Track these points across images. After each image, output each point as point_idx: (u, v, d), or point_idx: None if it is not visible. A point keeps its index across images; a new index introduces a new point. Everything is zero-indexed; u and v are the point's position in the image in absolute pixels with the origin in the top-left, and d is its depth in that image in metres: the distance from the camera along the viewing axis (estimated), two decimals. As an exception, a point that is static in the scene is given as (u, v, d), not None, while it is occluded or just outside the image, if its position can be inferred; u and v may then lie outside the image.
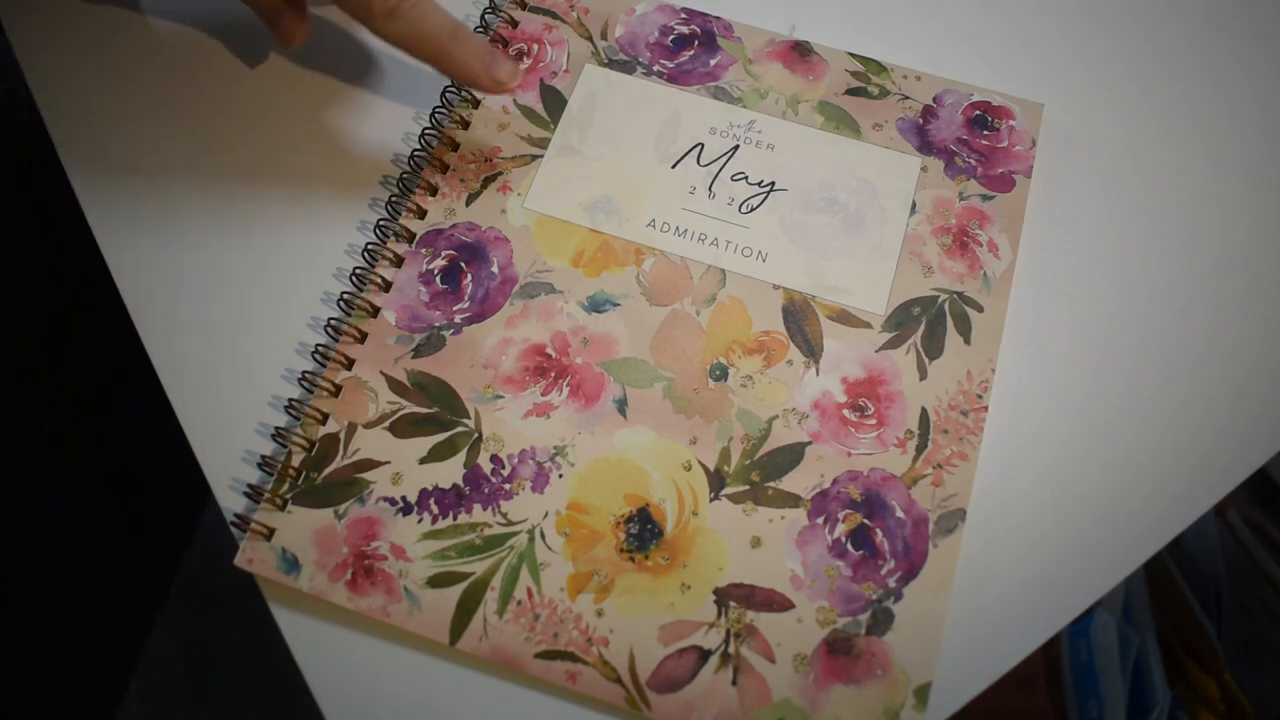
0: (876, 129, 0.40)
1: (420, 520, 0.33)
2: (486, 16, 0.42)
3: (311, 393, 0.35)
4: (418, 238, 0.38)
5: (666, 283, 0.37)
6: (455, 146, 0.40)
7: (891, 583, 0.33)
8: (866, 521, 0.34)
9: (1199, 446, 0.36)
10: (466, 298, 0.37)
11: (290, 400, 0.35)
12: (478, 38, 0.37)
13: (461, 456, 0.34)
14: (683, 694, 0.31)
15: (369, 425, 0.35)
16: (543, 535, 0.33)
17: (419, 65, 0.42)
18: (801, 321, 0.37)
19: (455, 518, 0.34)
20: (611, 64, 0.42)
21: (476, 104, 0.41)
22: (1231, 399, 0.37)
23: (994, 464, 0.35)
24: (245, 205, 0.39)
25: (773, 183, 0.39)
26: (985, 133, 0.40)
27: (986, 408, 0.35)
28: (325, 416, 0.35)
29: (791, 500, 0.34)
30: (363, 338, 0.36)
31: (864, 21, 0.43)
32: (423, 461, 0.34)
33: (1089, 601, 0.33)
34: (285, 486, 0.34)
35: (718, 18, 0.43)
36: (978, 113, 0.41)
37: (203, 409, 0.36)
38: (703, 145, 0.40)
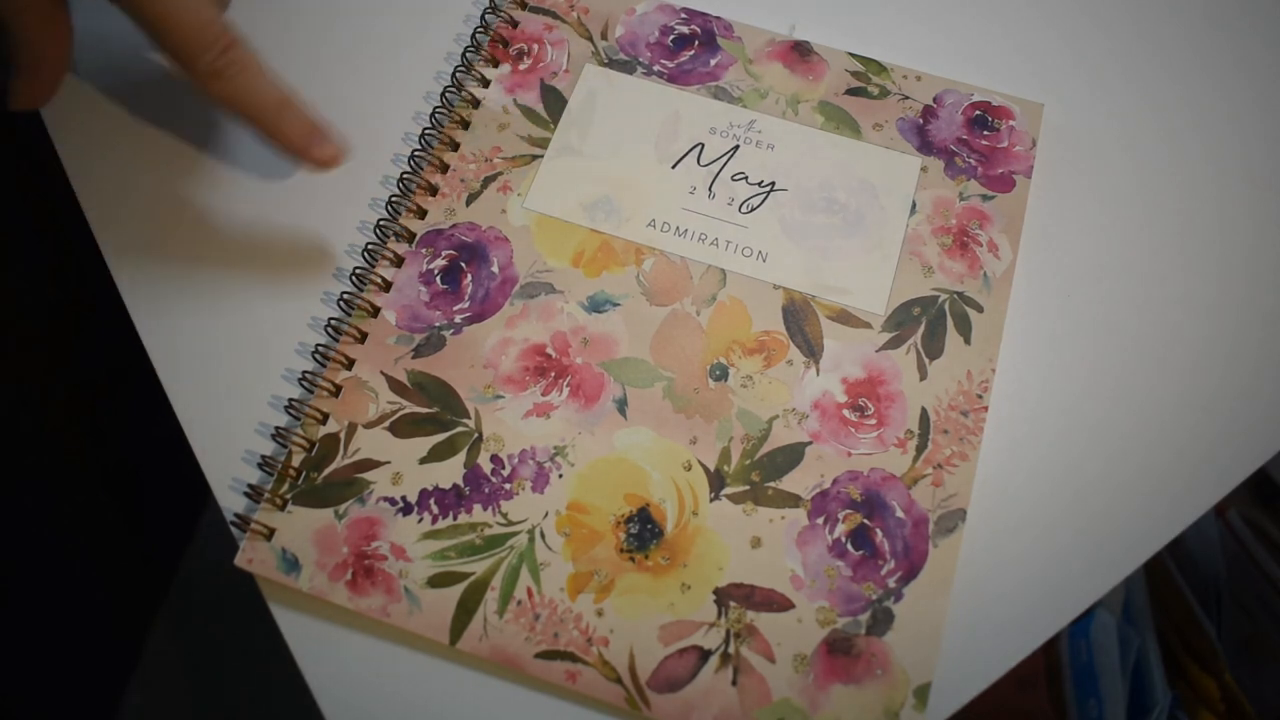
0: (876, 129, 0.40)
1: (420, 520, 0.33)
2: (486, 16, 0.42)
3: (311, 393, 0.35)
4: (418, 238, 0.38)
5: (666, 283, 0.37)
6: (455, 146, 0.40)
7: (891, 583, 0.33)
8: (866, 521, 0.34)
9: (1199, 446, 0.36)
10: (466, 298, 0.37)
11: (290, 400, 0.35)
12: (304, 114, 0.36)
13: (461, 456, 0.34)
14: (683, 694, 0.31)
15: (369, 425, 0.35)
16: (543, 535, 0.33)
17: (416, 67, 0.42)
18: (801, 321, 0.37)
19: (455, 518, 0.34)
20: (611, 64, 0.42)
21: (476, 104, 0.41)
22: (1231, 399, 0.37)
23: (994, 464, 0.35)
24: (245, 205, 0.39)
25: (773, 183, 0.39)
26: (985, 133, 0.40)
27: (986, 408, 0.35)
28: (325, 416, 0.35)
29: (791, 500, 0.34)
30: (363, 338, 0.36)
31: (864, 21, 0.43)
32: (423, 461, 0.34)
33: (1089, 601, 0.33)
34: (285, 486, 0.34)
35: (718, 18, 0.43)
36: (978, 113, 0.41)
37: (203, 409, 0.36)
38: (703, 145, 0.40)
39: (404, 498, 0.34)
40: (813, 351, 0.36)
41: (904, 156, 0.40)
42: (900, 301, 0.37)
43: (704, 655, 0.32)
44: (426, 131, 0.40)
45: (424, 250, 0.38)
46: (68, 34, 0.35)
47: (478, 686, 0.32)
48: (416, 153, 0.39)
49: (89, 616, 0.56)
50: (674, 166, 0.39)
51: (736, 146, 0.40)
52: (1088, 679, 0.56)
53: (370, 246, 0.37)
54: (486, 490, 0.34)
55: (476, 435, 0.35)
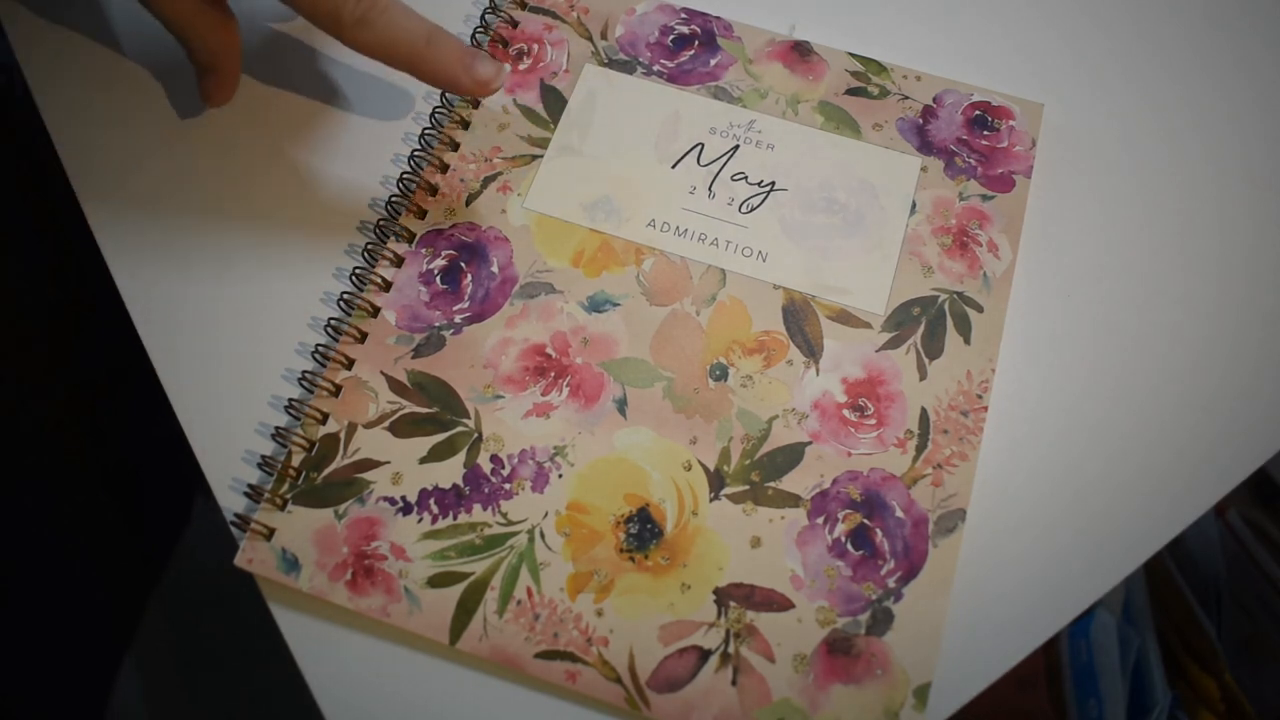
0: (876, 129, 0.40)
1: (420, 520, 0.33)
2: (486, 16, 0.42)
3: (311, 393, 0.35)
4: (418, 238, 0.38)
5: (666, 283, 0.37)
6: (455, 146, 0.40)
7: (891, 583, 0.33)
8: (866, 521, 0.34)
9: (1199, 446, 0.36)
10: (466, 298, 0.37)
11: (290, 400, 0.35)
12: (455, 39, 0.36)
13: (461, 456, 0.34)
14: (683, 694, 0.31)
15: (369, 425, 0.35)
16: (543, 535, 0.33)
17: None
18: (801, 321, 0.37)
19: (455, 518, 0.34)
20: (611, 64, 0.42)
21: (476, 104, 0.41)
22: (1231, 399, 0.37)
23: (994, 464, 0.35)
24: (246, 205, 0.39)
25: (773, 183, 0.39)
26: (985, 133, 0.40)
27: (986, 408, 0.35)
28: (325, 416, 0.35)
29: (791, 500, 0.34)
30: (363, 338, 0.36)
31: (864, 21, 0.43)
32: (423, 461, 0.34)
33: (1089, 601, 0.33)
34: (285, 486, 0.34)
35: (718, 18, 0.43)
36: (978, 113, 0.41)
37: (203, 409, 0.36)
38: (703, 145, 0.40)
39: (404, 498, 0.34)
40: (813, 351, 0.36)
41: (904, 156, 0.40)
42: (900, 301, 0.37)
43: (704, 655, 0.32)
44: (426, 131, 0.40)
45: (424, 250, 0.38)
46: (236, 36, 0.38)
47: (478, 686, 0.32)
48: (416, 153, 0.39)
49: (88, 616, 0.56)
50: (674, 166, 0.39)
51: (736, 146, 0.40)
52: (1088, 679, 0.56)
53: (370, 246, 0.37)
54: (486, 490, 0.34)
55: (476, 435, 0.35)
